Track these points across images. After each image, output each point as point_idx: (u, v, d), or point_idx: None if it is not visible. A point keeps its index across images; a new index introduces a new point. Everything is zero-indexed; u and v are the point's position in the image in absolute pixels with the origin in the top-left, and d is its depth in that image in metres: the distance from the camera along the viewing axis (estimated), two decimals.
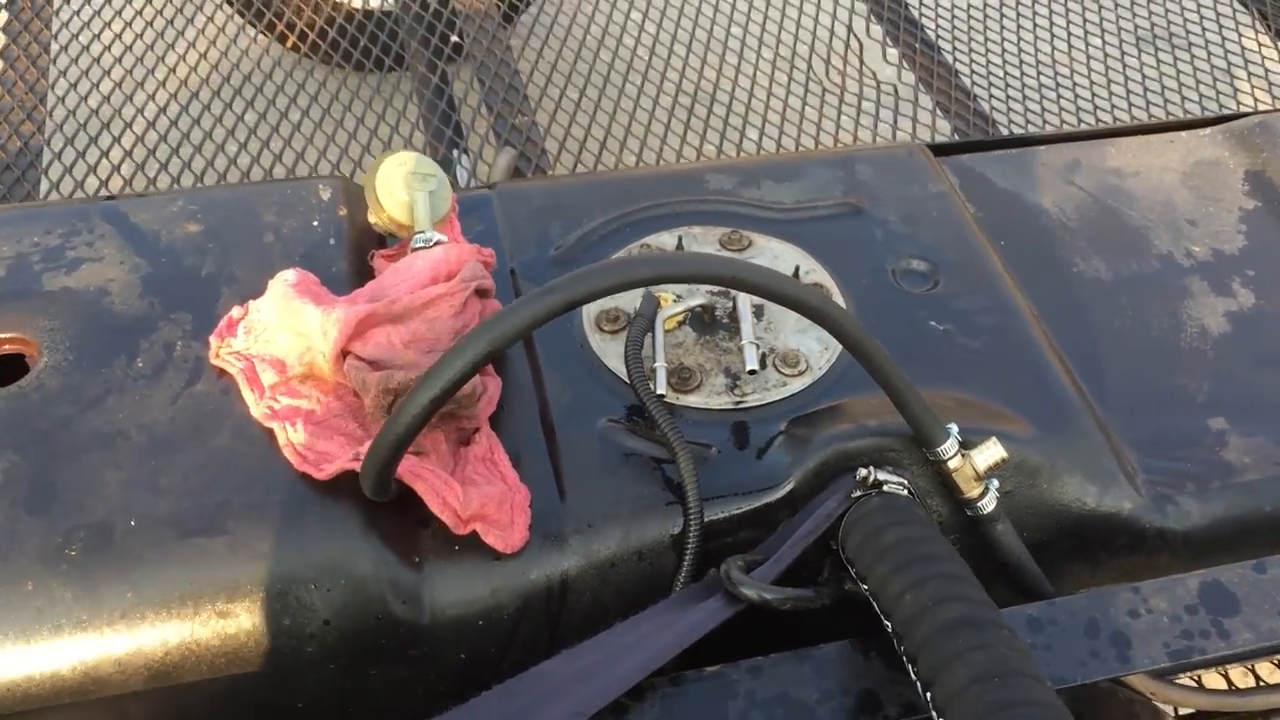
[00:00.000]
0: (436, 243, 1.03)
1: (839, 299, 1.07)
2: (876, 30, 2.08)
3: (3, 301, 1.00)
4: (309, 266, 1.03)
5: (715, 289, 1.05)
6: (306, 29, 2.03)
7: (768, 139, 1.86)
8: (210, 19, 2.04)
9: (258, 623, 0.85)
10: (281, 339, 0.96)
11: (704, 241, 1.12)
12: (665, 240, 1.12)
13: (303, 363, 0.95)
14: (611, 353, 1.02)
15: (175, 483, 0.89)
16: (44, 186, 1.73)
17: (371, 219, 1.09)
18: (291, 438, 0.91)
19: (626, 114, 1.89)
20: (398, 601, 0.87)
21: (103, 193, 1.74)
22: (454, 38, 2.05)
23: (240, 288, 1.03)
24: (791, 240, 1.13)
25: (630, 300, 1.06)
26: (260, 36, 2.09)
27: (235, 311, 0.99)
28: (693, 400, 0.99)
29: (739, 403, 0.99)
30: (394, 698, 0.91)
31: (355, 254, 1.08)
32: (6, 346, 0.98)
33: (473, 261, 1.00)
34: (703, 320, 1.04)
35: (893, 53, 2.04)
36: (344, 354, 0.93)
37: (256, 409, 0.93)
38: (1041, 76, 1.98)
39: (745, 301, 1.02)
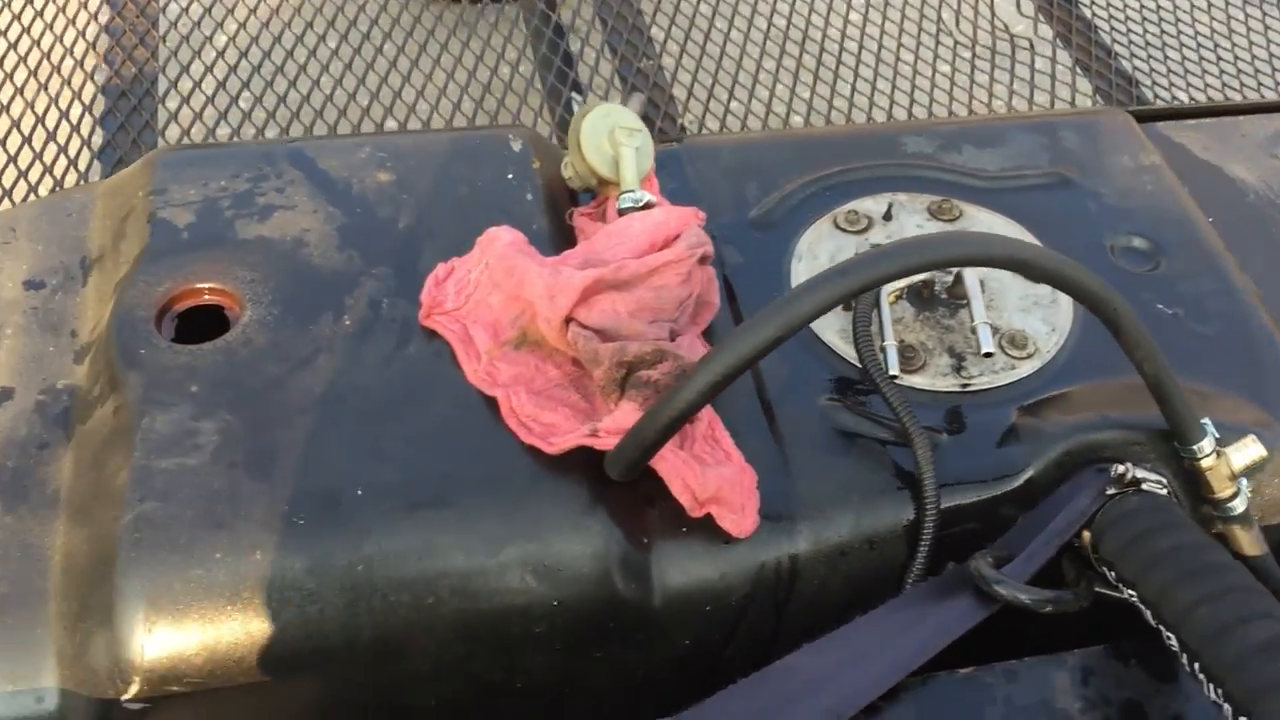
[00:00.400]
0: (646, 204, 0.98)
1: None
2: None
3: (198, 249, 0.95)
4: (509, 222, 0.98)
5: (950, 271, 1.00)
6: None
7: (899, 92, 1.79)
8: None
9: (488, 601, 0.81)
10: (494, 300, 0.92)
11: (912, 209, 1.07)
12: (870, 206, 1.07)
13: (517, 327, 0.91)
14: (827, 326, 0.98)
15: (397, 450, 0.85)
16: (161, 116, 1.67)
17: (566, 173, 1.05)
18: (515, 407, 0.87)
19: (753, 60, 1.83)
20: (627, 583, 0.83)
21: (222, 126, 1.68)
22: None
23: (440, 243, 0.98)
24: (1000, 211, 1.07)
25: None
26: None
27: (440, 269, 0.95)
28: (917, 381, 0.94)
29: (966, 385, 0.94)
30: (613, 680, 0.87)
31: (552, 210, 1.03)
32: (207, 296, 0.93)
33: (693, 226, 0.95)
34: (920, 295, 0.99)
35: (1028, 5, 1.97)
36: (568, 321, 0.88)
37: (474, 375, 0.89)
38: (1182, 35, 1.91)
39: (973, 277, 0.97)
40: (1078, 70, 1.85)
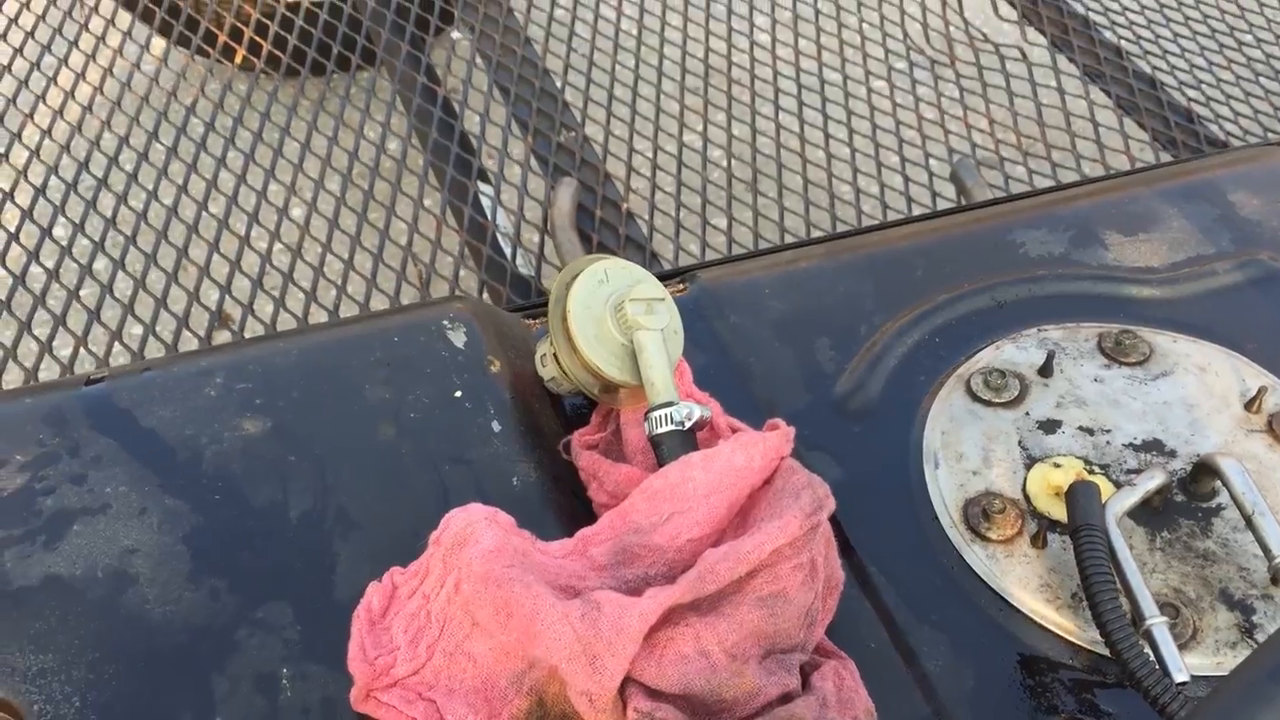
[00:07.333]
0: (697, 423, 0.59)
1: None
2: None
3: None
4: (471, 482, 0.59)
5: (1166, 453, 0.64)
6: (235, 36, 1.53)
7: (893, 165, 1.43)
8: (111, 25, 1.54)
9: None
10: (479, 650, 0.52)
11: (1078, 353, 0.70)
12: (1013, 355, 0.70)
13: (525, 692, 0.52)
14: (1008, 574, 0.60)
15: None
16: None
17: (545, 371, 0.65)
18: None
19: (697, 112, 1.46)
20: None
21: None
22: (454, 33, 1.58)
23: (361, 537, 0.58)
24: (1200, 334, 0.71)
25: (1011, 472, 0.64)
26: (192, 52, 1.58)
27: (371, 595, 0.54)
28: (1193, 660, 0.57)
29: None
30: None
31: (531, 442, 0.64)
32: None
33: (791, 462, 0.56)
34: (1150, 508, 0.62)
35: (1006, 7, 1.63)
36: (625, 688, 0.49)
37: None
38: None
39: (1240, 477, 0.60)
40: (1089, 79, 1.52)
